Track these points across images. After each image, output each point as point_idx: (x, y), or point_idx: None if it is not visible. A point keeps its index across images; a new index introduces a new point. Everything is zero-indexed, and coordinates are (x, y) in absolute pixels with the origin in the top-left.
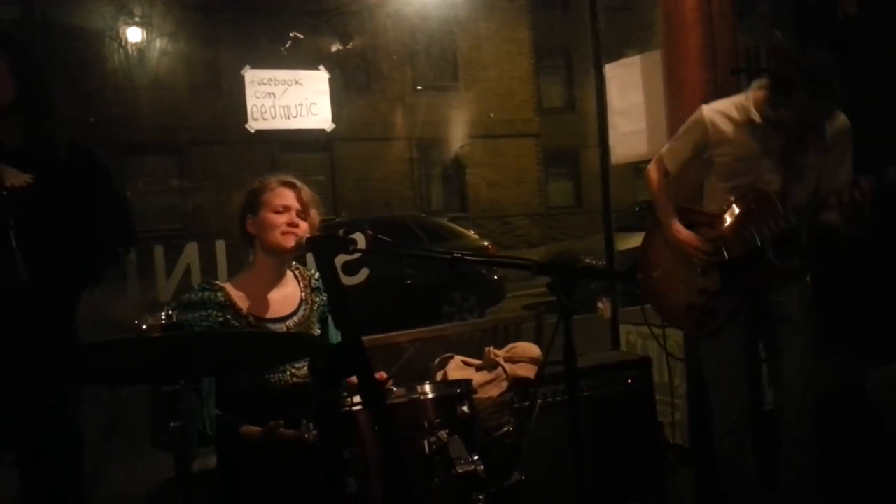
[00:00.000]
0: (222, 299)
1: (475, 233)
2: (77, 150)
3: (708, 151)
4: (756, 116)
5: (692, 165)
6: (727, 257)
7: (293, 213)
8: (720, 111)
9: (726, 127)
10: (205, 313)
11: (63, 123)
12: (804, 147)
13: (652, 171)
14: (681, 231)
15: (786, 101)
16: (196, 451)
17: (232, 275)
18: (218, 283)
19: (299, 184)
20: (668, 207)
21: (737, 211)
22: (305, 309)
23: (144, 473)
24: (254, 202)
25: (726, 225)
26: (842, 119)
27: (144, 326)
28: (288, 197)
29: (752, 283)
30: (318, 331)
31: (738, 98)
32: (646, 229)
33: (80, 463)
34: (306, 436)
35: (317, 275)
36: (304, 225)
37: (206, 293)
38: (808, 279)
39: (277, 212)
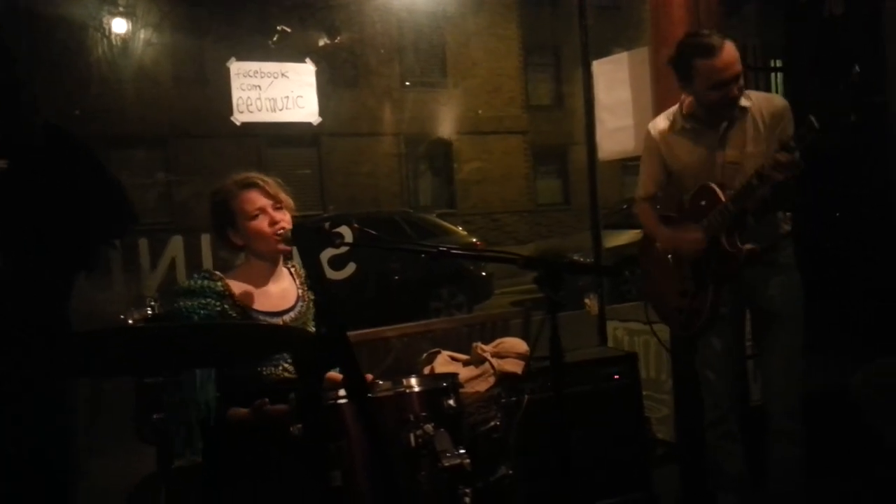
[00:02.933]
0: (221, 289)
1: (463, 229)
2: (54, 133)
3: (667, 164)
4: (681, 120)
5: (671, 179)
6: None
7: (270, 211)
8: (659, 125)
9: (668, 137)
10: (203, 301)
11: (48, 116)
12: (742, 135)
13: (637, 203)
14: (667, 236)
15: (689, 77)
16: (183, 447)
17: (226, 269)
18: (218, 273)
19: (258, 178)
20: (653, 224)
21: (690, 208)
22: (302, 306)
23: (127, 468)
24: (225, 215)
25: (687, 225)
26: (777, 100)
27: (130, 321)
28: (256, 198)
29: (720, 276)
30: (314, 328)
31: (671, 109)
32: (641, 239)
33: (67, 457)
34: (291, 429)
35: None
36: (285, 216)
37: (206, 281)
38: (797, 275)
39: (255, 216)
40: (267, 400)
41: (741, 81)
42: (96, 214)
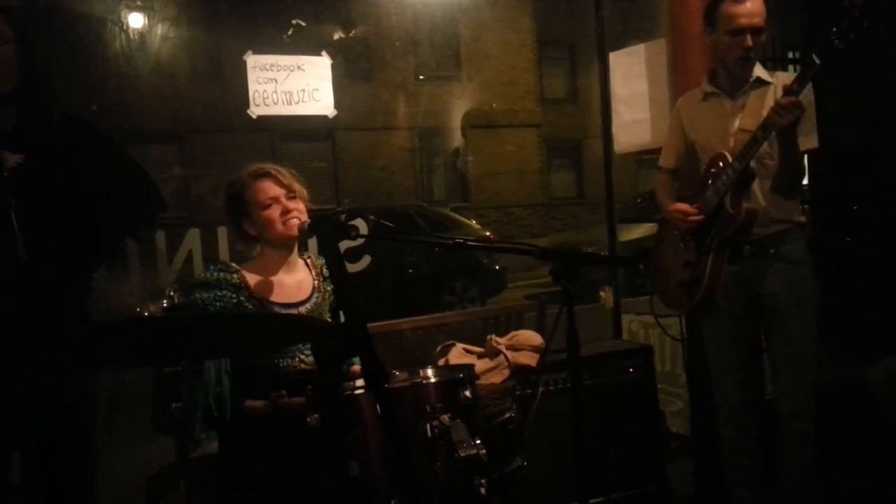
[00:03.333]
0: (237, 281)
1: (477, 223)
2: (76, 125)
3: (687, 136)
4: (705, 85)
5: (692, 153)
6: (702, 218)
7: (283, 200)
8: (688, 96)
9: (692, 108)
10: (219, 293)
11: (66, 110)
12: (760, 106)
13: (658, 177)
14: (669, 205)
15: (713, 20)
16: (201, 436)
17: (241, 261)
18: (234, 265)
19: (272, 169)
20: (664, 197)
21: (703, 178)
22: (318, 297)
23: (146, 458)
24: (240, 206)
25: (700, 194)
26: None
27: (147, 313)
28: (269, 188)
29: (721, 240)
30: (330, 319)
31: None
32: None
33: (90, 451)
34: (308, 420)
35: None
36: (298, 205)
37: (222, 273)
38: (810, 270)
39: (268, 206)
40: (284, 392)
41: (761, 39)
42: (122, 205)
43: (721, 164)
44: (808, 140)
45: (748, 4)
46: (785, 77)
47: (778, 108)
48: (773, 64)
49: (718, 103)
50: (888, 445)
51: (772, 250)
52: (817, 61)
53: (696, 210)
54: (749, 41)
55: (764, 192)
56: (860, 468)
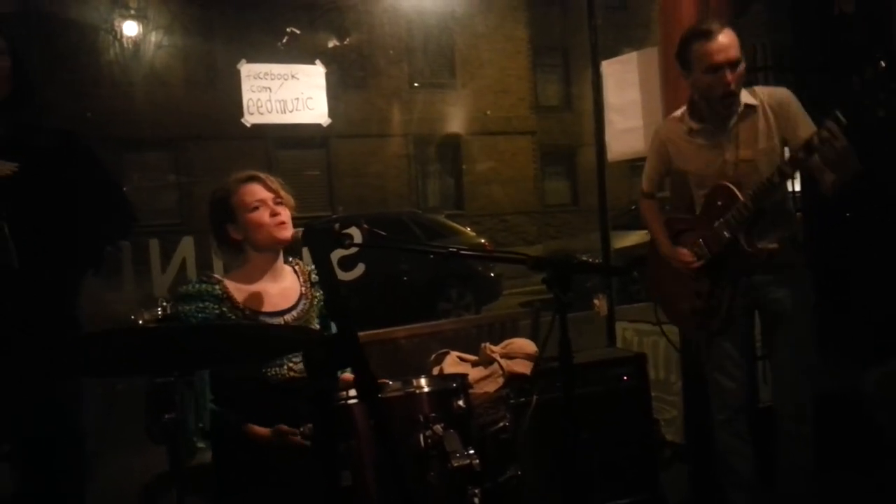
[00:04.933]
0: (219, 292)
1: (471, 230)
2: (64, 137)
3: (675, 166)
4: (688, 120)
5: (681, 180)
6: (710, 255)
7: (270, 203)
8: (669, 127)
9: (676, 138)
10: (201, 304)
11: (60, 119)
12: (753, 132)
13: (640, 199)
14: (666, 248)
15: (688, 63)
16: (196, 446)
17: (227, 269)
18: (216, 276)
19: (260, 174)
20: (655, 225)
21: (706, 209)
22: (305, 304)
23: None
24: (225, 210)
25: (702, 225)
26: (779, 91)
27: (140, 322)
28: (257, 191)
29: (738, 275)
30: (318, 326)
31: (680, 110)
32: (650, 240)
33: (80, 458)
34: (302, 429)
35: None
36: (284, 211)
37: (203, 285)
38: (807, 276)
39: (255, 209)
40: (285, 427)
41: (739, 70)
42: (99, 216)
43: (727, 196)
44: (808, 126)
45: (720, 38)
46: (766, 95)
47: (826, 136)
48: (765, 73)
49: (707, 137)
50: (881, 449)
51: (777, 261)
52: (843, 119)
53: (696, 260)
54: (729, 77)
55: (773, 218)
56: (856, 471)
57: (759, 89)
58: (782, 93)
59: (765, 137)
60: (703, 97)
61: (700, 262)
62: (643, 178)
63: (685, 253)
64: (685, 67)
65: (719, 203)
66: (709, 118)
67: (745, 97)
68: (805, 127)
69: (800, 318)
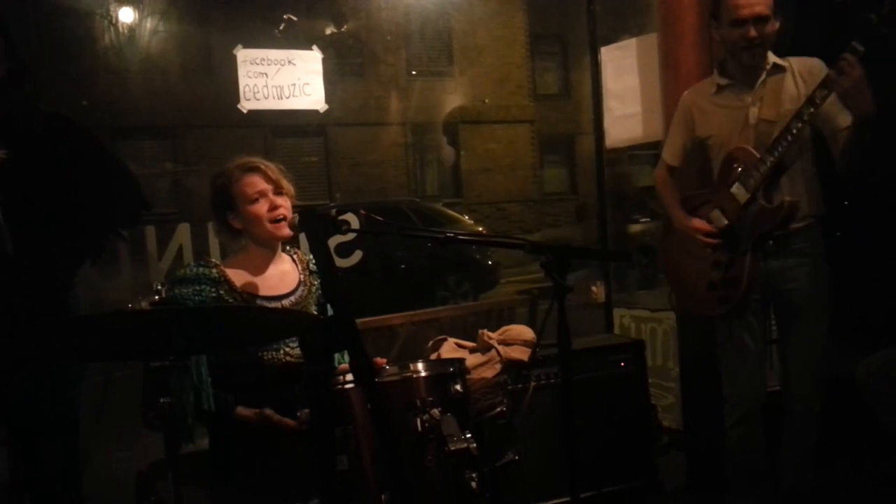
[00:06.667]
0: (216, 275)
1: (469, 218)
2: (60, 123)
3: (697, 132)
4: (716, 77)
5: (691, 157)
6: (727, 221)
7: (270, 195)
8: (696, 90)
9: (703, 102)
10: (198, 288)
11: (56, 106)
12: (779, 92)
13: (657, 170)
14: (682, 219)
15: (717, 13)
16: (191, 431)
17: (224, 256)
18: (214, 260)
19: (261, 163)
20: (671, 199)
21: (722, 175)
22: (303, 290)
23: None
24: (226, 198)
25: (720, 192)
26: (813, 60)
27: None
28: (257, 182)
29: (758, 239)
30: (316, 313)
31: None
32: (662, 227)
33: (75, 443)
34: (298, 414)
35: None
36: (284, 202)
37: (201, 269)
38: (823, 263)
39: (255, 200)
40: (271, 411)
41: (768, 27)
42: (104, 203)
43: (745, 158)
44: (845, 116)
45: None
46: (799, 62)
47: (843, 65)
48: None
49: (734, 94)
50: (878, 440)
51: (794, 245)
52: (860, 48)
53: (714, 230)
54: (752, 32)
55: (792, 183)
56: (853, 460)
57: (791, 59)
58: (814, 61)
59: (790, 100)
60: (729, 51)
61: (717, 229)
62: (664, 150)
63: (700, 222)
64: (715, 18)
65: (735, 166)
66: (736, 74)
67: (774, 58)
68: (842, 108)
69: (817, 306)
